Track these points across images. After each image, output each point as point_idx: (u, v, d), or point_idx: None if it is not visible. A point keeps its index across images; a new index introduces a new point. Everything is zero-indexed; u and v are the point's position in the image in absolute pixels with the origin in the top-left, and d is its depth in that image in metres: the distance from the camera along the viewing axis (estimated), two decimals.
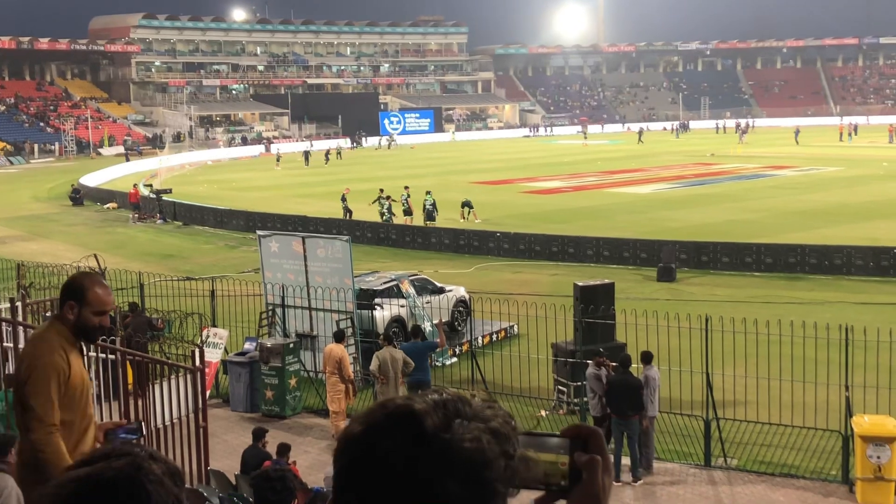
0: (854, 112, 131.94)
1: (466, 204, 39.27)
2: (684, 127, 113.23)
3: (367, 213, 39.62)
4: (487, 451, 1.44)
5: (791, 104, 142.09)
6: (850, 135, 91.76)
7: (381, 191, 39.83)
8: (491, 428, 1.47)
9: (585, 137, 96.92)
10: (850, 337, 13.81)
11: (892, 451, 12.48)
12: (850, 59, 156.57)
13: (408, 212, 38.80)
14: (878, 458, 12.51)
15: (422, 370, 16.32)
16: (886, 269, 27.37)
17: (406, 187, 40.16)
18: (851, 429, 13.22)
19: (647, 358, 14.49)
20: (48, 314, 16.75)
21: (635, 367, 14.63)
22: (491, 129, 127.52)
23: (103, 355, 14.56)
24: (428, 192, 39.05)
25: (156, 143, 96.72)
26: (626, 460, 14.22)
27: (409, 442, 1.42)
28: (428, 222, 37.75)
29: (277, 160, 76.75)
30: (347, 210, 40.27)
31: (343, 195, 40.99)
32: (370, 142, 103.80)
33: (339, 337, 16.64)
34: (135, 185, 50.28)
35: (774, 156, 71.80)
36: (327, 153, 79.62)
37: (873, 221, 36.54)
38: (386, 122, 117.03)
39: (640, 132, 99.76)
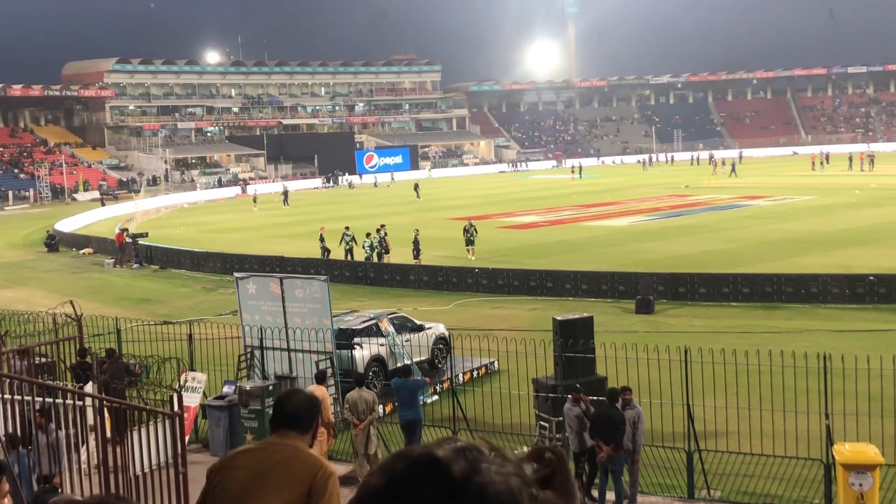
0: (825, 141, 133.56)
1: (470, 242, 38.93)
2: (670, 159, 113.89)
3: (353, 251, 39.59)
4: (517, 493, 1.43)
5: (763, 134, 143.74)
6: (821, 164, 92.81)
7: (347, 228, 40.17)
8: (515, 471, 1.47)
9: (573, 172, 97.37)
10: (829, 365, 13.87)
11: (873, 479, 12.49)
12: (819, 89, 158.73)
13: (387, 250, 38.76)
14: (861, 485, 12.52)
15: (412, 408, 16.32)
16: (862, 297, 27.55)
17: (382, 226, 40.15)
18: (833, 457, 13.23)
19: (627, 394, 14.49)
20: (25, 362, 16.59)
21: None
22: (467, 165, 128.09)
23: (80, 402, 14.41)
24: (416, 231, 39.20)
25: (131, 187, 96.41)
26: (610, 495, 14.17)
27: (442, 490, 1.39)
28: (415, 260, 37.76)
29: (254, 201, 76.66)
30: (325, 249, 40.27)
31: (320, 235, 41.00)
32: (349, 180, 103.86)
33: (320, 378, 16.56)
34: (120, 230, 49.96)
35: (748, 186, 72.42)
36: (283, 195, 78.03)
37: (848, 249, 36.85)
38: (366, 159, 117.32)
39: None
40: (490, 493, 1.40)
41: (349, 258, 38.87)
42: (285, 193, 77.67)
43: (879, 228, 42.95)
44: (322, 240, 40.69)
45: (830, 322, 25.28)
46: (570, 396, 14.91)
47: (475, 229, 38.91)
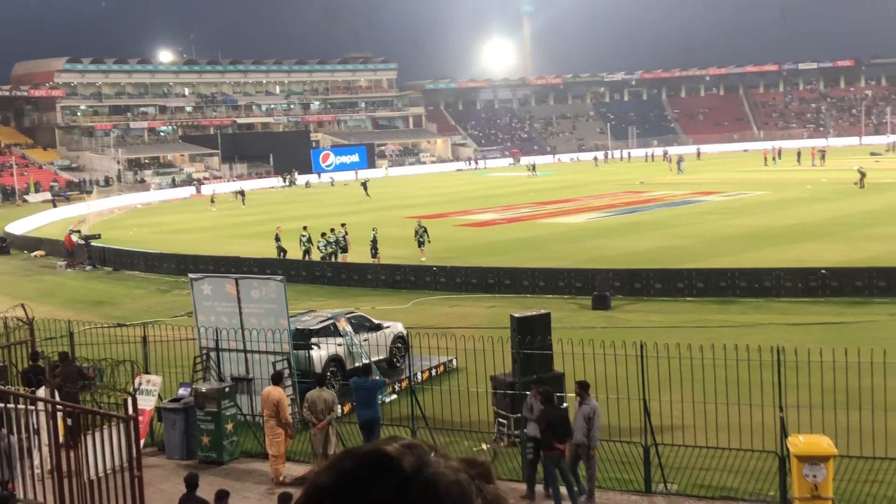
0: (777, 137, 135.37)
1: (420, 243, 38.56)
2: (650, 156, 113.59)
3: (310, 252, 39.43)
4: (466, 485, 1.42)
5: (716, 130, 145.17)
6: (774, 159, 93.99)
7: (304, 228, 40.01)
8: (461, 466, 1.46)
9: (529, 170, 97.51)
10: (782, 358, 14.05)
11: (827, 470, 12.68)
12: (771, 86, 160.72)
13: (344, 249, 38.63)
14: (815, 476, 12.70)
15: (371, 407, 16.32)
16: (814, 290, 27.95)
17: (343, 224, 39.97)
18: (787, 449, 13.41)
19: (585, 388, 14.59)
20: None
21: (573, 397, 14.69)
22: (424, 163, 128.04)
23: (32, 407, 14.20)
24: (374, 230, 39.01)
25: (83, 188, 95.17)
26: (563, 490, 14.26)
27: (393, 484, 1.39)
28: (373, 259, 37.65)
29: (212, 201, 75.94)
30: (282, 249, 40.05)
31: (276, 234, 40.75)
32: (305, 179, 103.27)
33: (276, 379, 16.48)
34: (70, 231, 49.29)
35: (702, 182, 73.16)
36: (240, 194, 77.26)
37: (800, 243, 37.36)
38: (322, 158, 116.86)
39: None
40: (441, 485, 1.40)
41: (307, 258, 38.69)
42: (242, 193, 77.15)
43: (831, 223, 43.62)
44: (278, 239, 40.45)
45: (784, 315, 25.61)
46: (532, 388, 15.13)
47: (425, 230, 38.57)
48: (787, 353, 14.12)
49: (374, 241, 38.00)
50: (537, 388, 14.98)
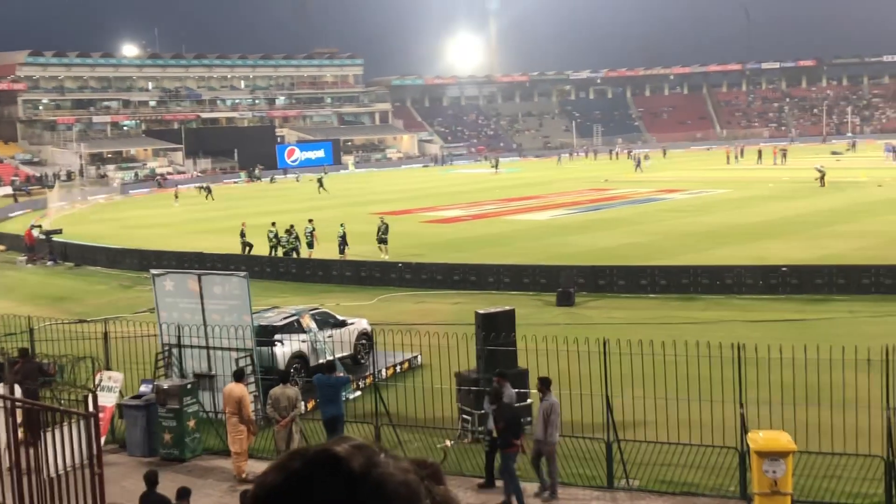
0: (740, 135, 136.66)
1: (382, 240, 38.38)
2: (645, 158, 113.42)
3: (266, 247, 39.24)
4: (415, 486, 1.41)
5: (680, 129, 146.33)
6: (736, 158, 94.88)
7: (273, 224, 39.82)
8: (410, 467, 1.45)
9: (492, 166, 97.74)
10: (743, 355, 14.18)
11: (786, 466, 12.82)
12: (734, 85, 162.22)
13: (310, 244, 38.45)
14: (774, 472, 12.83)
15: (335, 405, 16.29)
16: (775, 287, 28.24)
17: (310, 220, 39.76)
18: (747, 445, 13.53)
19: (547, 384, 14.65)
20: None
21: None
22: (390, 159, 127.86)
23: None
24: (342, 225, 38.72)
25: (45, 183, 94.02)
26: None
27: (341, 484, 1.38)
28: (340, 255, 37.50)
29: (176, 196, 75.37)
30: (247, 245, 39.83)
31: (241, 230, 40.50)
32: (270, 174, 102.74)
33: (238, 376, 16.40)
34: (31, 227, 48.66)
35: (665, 180, 73.67)
36: (206, 190, 77.35)
37: (761, 241, 37.73)
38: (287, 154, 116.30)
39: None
40: (389, 485, 1.39)
41: (273, 254, 38.53)
42: (208, 188, 76.87)
43: (791, 221, 44.09)
44: (243, 235, 40.20)
45: (745, 312, 25.86)
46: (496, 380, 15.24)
47: (387, 227, 38.45)
48: (748, 350, 14.25)
49: (343, 238, 37.84)
50: (497, 381, 15.13)
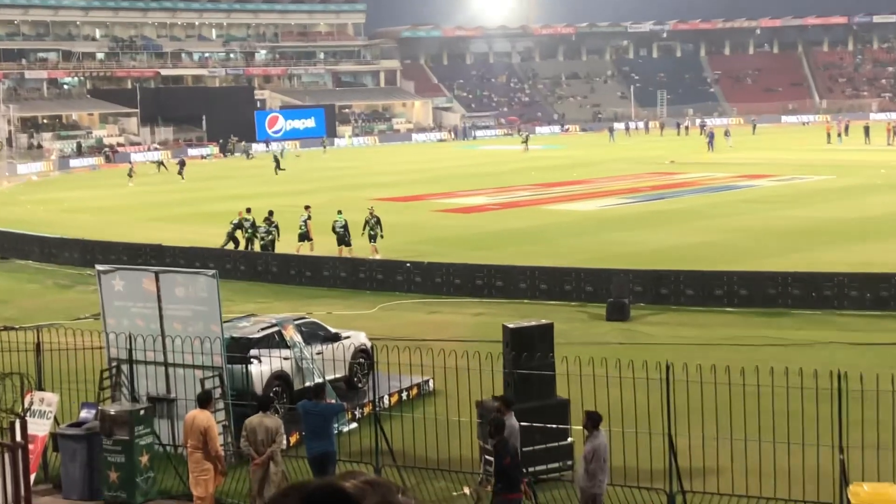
0: (844, 108, 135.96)
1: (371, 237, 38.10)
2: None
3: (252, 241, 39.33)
4: None
5: (767, 98, 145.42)
6: (839, 135, 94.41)
7: (248, 210, 39.83)
8: None
9: (523, 142, 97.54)
10: (844, 386, 14.11)
11: None
12: (837, 43, 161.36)
13: (305, 236, 38.32)
14: None
15: (325, 439, 16.34)
16: (886, 302, 28.09)
17: (307, 207, 39.53)
18: (848, 500, 13.48)
19: (595, 421, 14.63)
20: None
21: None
22: (398, 131, 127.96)
23: None
24: (339, 213, 38.56)
25: None
26: None
27: None
28: (341, 247, 37.47)
29: (129, 174, 75.80)
30: (233, 239, 39.30)
31: (239, 220, 39.61)
32: (245, 147, 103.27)
33: (203, 401, 16.44)
34: None
35: (748, 162, 73.42)
36: (159, 164, 78.89)
37: (869, 243, 37.55)
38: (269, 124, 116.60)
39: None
40: None
41: (249, 248, 38.58)
42: (181, 163, 78.09)
43: None
44: (238, 226, 39.32)
45: (847, 333, 25.71)
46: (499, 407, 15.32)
47: (378, 221, 37.96)
48: (851, 380, 14.20)
49: (345, 228, 37.62)
50: (500, 408, 15.21)
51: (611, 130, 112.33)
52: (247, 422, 16.14)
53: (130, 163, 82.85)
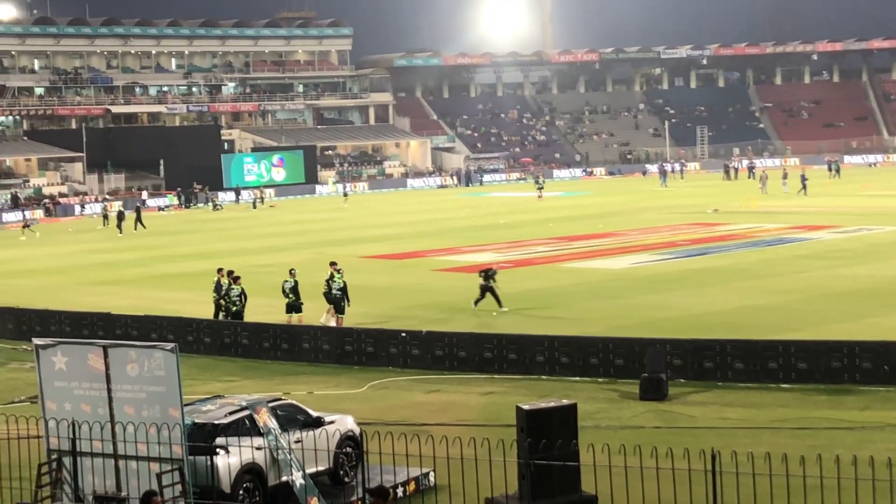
0: None
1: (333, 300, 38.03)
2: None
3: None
4: None
5: (826, 135, 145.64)
6: None
7: (219, 271, 39.39)
8: None
9: (538, 188, 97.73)
10: None
11: None
12: None
13: (295, 306, 38.01)
14: None
15: None
16: None
17: (291, 271, 39.30)
18: None
19: None
20: None
21: None
22: (390, 176, 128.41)
23: None
24: (339, 272, 38.25)
25: None
26: None
27: None
28: (338, 315, 37.41)
29: (25, 226, 75.94)
30: (222, 308, 39.04)
31: (226, 282, 39.23)
32: (211, 197, 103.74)
33: (147, 500, 16.31)
34: None
35: (806, 210, 73.54)
36: (119, 216, 79.94)
37: None
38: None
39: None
40: None
41: (221, 316, 38.00)
42: (137, 210, 79.06)
43: None
44: (228, 288, 38.93)
45: None
46: None
47: (342, 279, 37.73)
48: None
49: (343, 290, 37.43)
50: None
51: (662, 173, 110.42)
52: None
53: (24, 215, 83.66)
